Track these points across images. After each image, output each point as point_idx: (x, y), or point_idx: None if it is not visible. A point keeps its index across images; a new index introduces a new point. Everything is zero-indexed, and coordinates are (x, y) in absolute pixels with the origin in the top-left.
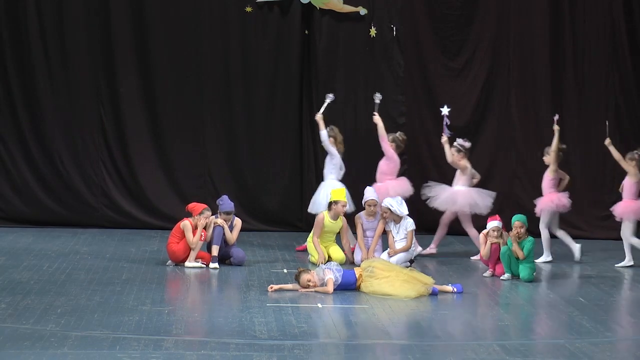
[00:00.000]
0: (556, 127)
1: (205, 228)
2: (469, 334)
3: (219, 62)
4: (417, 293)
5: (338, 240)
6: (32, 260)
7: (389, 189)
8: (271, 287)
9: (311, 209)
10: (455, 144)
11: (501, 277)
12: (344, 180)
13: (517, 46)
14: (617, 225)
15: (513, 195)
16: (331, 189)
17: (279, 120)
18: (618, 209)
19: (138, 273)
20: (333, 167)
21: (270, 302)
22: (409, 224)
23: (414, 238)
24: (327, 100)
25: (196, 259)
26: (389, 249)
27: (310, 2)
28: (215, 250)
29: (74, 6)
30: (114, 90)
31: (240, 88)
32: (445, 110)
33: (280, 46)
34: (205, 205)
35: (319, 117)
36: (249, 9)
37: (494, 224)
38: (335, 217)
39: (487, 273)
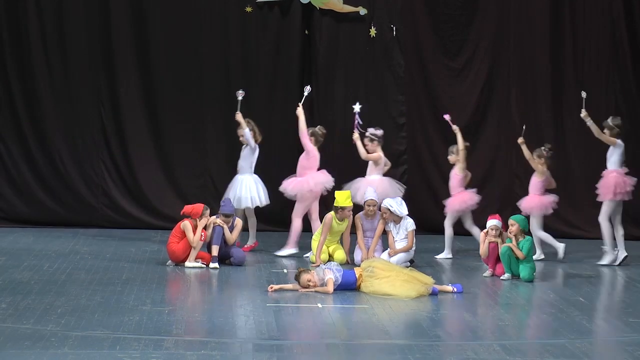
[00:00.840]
0: (455, 127)
1: (205, 228)
2: (469, 333)
3: (219, 62)
4: (418, 293)
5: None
6: (33, 260)
7: (309, 181)
8: (271, 287)
9: (246, 204)
10: (367, 133)
11: (501, 277)
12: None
13: (517, 46)
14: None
15: (513, 195)
16: (336, 192)
17: (279, 120)
18: (523, 204)
19: (138, 273)
20: (252, 162)
21: (271, 302)
22: (409, 224)
23: (414, 238)
24: (239, 98)
25: (196, 259)
26: (389, 249)
27: (310, 2)
28: (215, 250)
29: (74, 6)
30: (114, 90)
31: (240, 88)
32: (356, 108)
33: (280, 46)
34: (204, 205)
35: (239, 116)
36: (249, 9)
37: (492, 222)
38: (341, 219)
39: (487, 273)
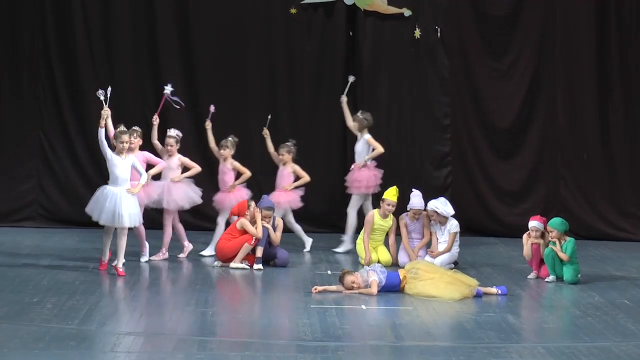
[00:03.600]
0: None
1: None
2: (513, 336)
3: (264, 64)
4: (461, 295)
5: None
6: (78, 261)
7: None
8: (315, 289)
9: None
10: (172, 133)
11: (546, 279)
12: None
13: (563, 46)
14: None
15: (559, 197)
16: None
17: (323, 122)
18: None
19: (183, 274)
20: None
21: (314, 303)
22: (453, 226)
23: (458, 239)
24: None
25: (242, 260)
26: (432, 249)
27: (354, 3)
28: (259, 252)
29: (120, 7)
30: (159, 92)
31: (285, 89)
32: (167, 89)
33: (324, 47)
34: (246, 200)
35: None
36: (293, 11)
37: (533, 224)
38: (384, 216)
39: (532, 275)
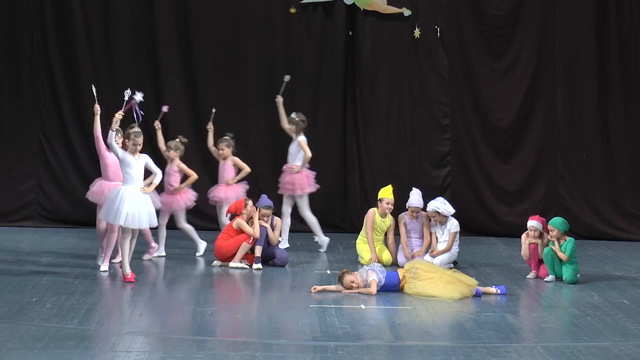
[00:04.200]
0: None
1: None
2: (512, 335)
3: (263, 63)
4: (461, 294)
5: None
6: (77, 260)
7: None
8: (314, 288)
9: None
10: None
11: (545, 279)
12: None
13: (563, 46)
14: None
15: (559, 197)
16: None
17: (322, 121)
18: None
19: (182, 273)
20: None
21: (314, 303)
22: (453, 225)
23: (458, 239)
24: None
25: (241, 259)
26: (431, 249)
27: (354, 3)
28: (258, 251)
29: (120, 7)
30: (158, 91)
31: (284, 89)
32: (137, 98)
33: (324, 47)
34: (243, 198)
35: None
36: (293, 10)
37: (532, 223)
38: (383, 215)
39: (531, 275)
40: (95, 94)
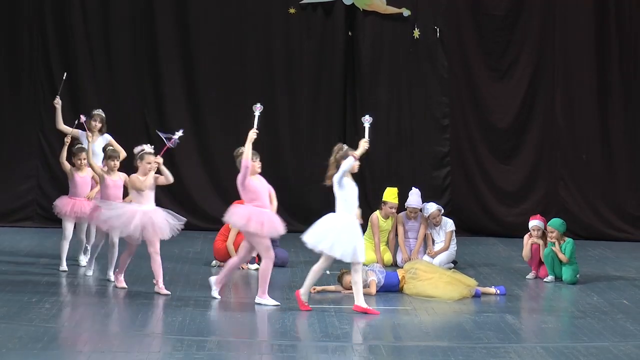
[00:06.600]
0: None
1: None
2: (512, 336)
3: (263, 63)
4: (460, 295)
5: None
6: (77, 260)
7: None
8: (314, 289)
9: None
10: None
11: (545, 280)
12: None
13: (562, 47)
14: None
15: (558, 197)
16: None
17: (322, 121)
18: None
19: (181, 274)
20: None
21: (313, 303)
22: (448, 224)
23: (455, 238)
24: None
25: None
26: (428, 250)
27: (353, 3)
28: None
29: (119, 8)
30: (158, 93)
31: (284, 89)
32: (177, 135)
33: (323, 47)
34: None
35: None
36: (292, 11)
37: (534, 223)
38: (386, 217)
39: (530, 275)
40: (62, 84)
